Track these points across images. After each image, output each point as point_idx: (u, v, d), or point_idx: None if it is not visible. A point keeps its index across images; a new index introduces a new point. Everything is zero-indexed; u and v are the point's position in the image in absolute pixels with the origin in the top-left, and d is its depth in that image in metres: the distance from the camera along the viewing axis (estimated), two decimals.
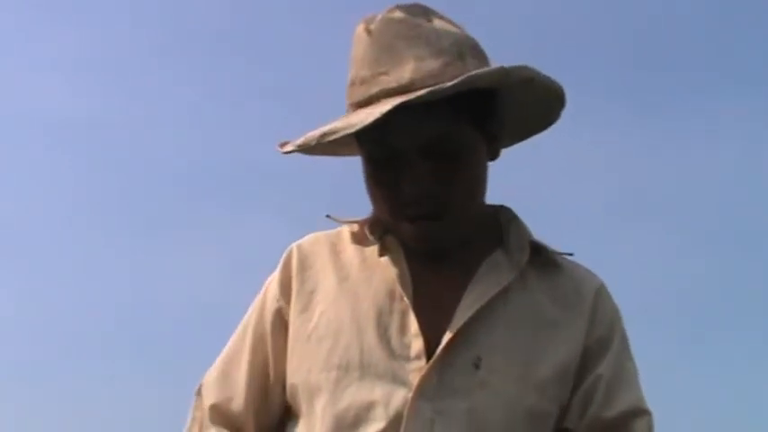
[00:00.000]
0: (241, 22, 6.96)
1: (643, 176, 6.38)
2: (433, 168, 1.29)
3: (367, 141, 1.32)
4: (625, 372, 1.37)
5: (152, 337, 6.32)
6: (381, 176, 1.33)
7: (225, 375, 1.43)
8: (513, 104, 1.37)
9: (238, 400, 1.41)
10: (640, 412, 1.35)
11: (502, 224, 1.42)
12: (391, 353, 1.30)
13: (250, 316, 1.45)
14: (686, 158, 6.45)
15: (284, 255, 1.45)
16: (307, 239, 1.46)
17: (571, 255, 1.44)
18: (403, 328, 1.32)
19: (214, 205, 6.65)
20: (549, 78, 1.33)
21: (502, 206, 1.45)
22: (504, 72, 1.29)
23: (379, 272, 1.37)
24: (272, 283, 1.44)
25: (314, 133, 1.31)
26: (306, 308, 1.38)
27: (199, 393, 1.46)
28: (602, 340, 1.37)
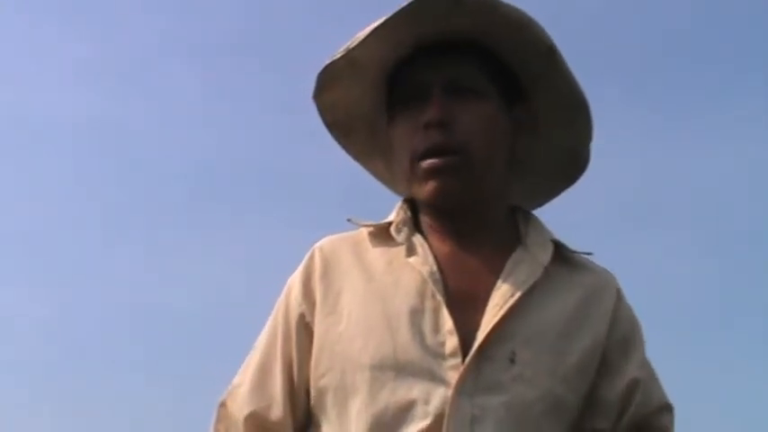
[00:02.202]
0: (248, 25, 6.97)
1: (656, 178, 6.38)
2: (455, 103, 1.36)
3: (399, 85, 1.41)
4: (653, 372, 1.43)
5: (160, 338, 6.33)
6: (408, 120, 1.38)
7: (259, 384, 1.41)
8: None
9: (277, 407, 1.39)
10: (668, 407, 1.42)
11: (518, 223, 1.45)
12: (426, 351, 1.30)
13: (276, 322, 1.43)
14: (699, 160, 6.45)
15: (306, 257, 1.44)
16: (327, 241, 1.46)
17: (590, 254, 1.46)
18: (436, 326, 1.31)
19: (221, 207, 6.65)
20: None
21: (516, 206, 1.48)
22: None
23: (407, 271, 1.36)
24: (295, 287, 1.42)
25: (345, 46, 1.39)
26: (333, 310, 1.37)
27: (223, 405, 1.44)
28: (625, 340, 1.40)
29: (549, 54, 1.40)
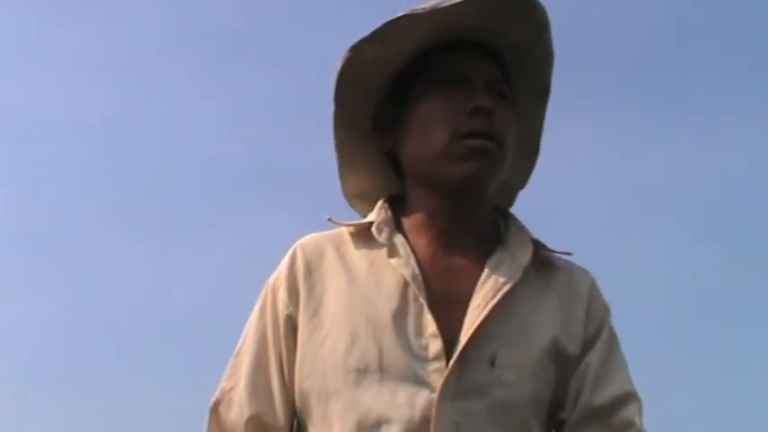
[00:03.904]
0: (257, 24, 6.98)
1: (652, 175, 6.39)
2: (494, 101, 1.39)
3: (438, 67, 1.42)
4: (613, 359, 1.40)
5: (166, 337, 6.33)
6: (449, 99, 1.39)
7: (256, 387, 1.39)
8: None
9: (277, 409, 1.38)
10: (630, 397, 1.38)
11: (497, 222, 1.46)
12: (410, 354, 1.30)
13: (263, 323, 1.41)
14: (697, 157, 6.45)
15: (288, 256, 1.43)
16: (309, 241, 1.45)
17: (569, 254, 1.46)
18: (419, 329, 1.32)
19: (228, 205, 6.67)
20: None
21: (494, 205, 1.48)
22: None
23: (388, 273, 1.36)
24: (281, 287, 1.41)
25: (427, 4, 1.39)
26: (316, 312, 1.37)
27: (216, 411, 1.42)
28: (595, 332, 1.41)
29: (545, 94, 1.47)
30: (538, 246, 1.42)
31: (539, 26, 1.42)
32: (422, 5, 1.39)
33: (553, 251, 1.44)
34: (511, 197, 1.54)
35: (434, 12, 1.38)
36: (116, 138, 6.82)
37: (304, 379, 1.36)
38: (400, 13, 1.39)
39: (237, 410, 1.39)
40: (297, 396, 1.37)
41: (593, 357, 1.38)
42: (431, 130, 1.39)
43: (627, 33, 6.66)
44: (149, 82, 6.94)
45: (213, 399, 1.43)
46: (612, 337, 1.43)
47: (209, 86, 6.98)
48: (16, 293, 6.45)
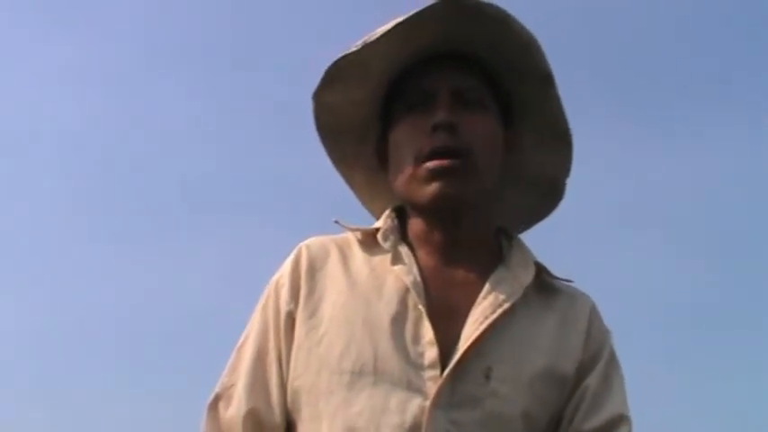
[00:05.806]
0: (242, 34, 6.99)
1: (642, 185, 6.43)
2: (461, 111, 1.38)
3: (406, 90, 1.42)
4: (611, 382, 1.40)
5: (153, 346, 6.31)
6: (413, 123, 1.39)
7: (255, 382, 1.38)
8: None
9: (275, 405, 1.37)
10: (621, 420, 1.38)
11: (501, 242, 1.47)
12: (406, 360, 1.30)
13: (266, 320, 1.41)
14: (684, 167, 6.50)
15: (293, 254, 1.44)
16: (314, 241, 1.45)
17: (571, 282, 1.47)
18: (417, 336, 1.32)
19: (214, 214, 6.65)
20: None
21: (499, 226, 1.49)
22: None
23: (390, 280, 1.37)
24: (284, 285, 1.41)
25: (361, 40, 1.39)
26: (314, 313, 1.37)
27: (214, 407, 1.40)
28: (594, 356, 1.40)
29: (547, 80, 1.43)
30: (540, 270, 1.43)
31: (496, 19, 1.39)
32: (356, 42, 1.39)
33: (555, 277, 1.45)
34: (556, 188, 1.51)
35: (367, 47, 1.38)
36: (105, 147, 6.82)
37: (297, 377, 1.36)
38: (337, 56, 1.40)
39: (236, 407, 1.38)
40: (289, 393, 1.37)
41: (591, 380, 1.38)
42: (401, 157, 1.40)
43: (620, 43, 6.70)
44: (138, 92, 6.94)
45: (213, 393, 1.42)
46: (612, 359, 1.42)
47: (198, 96, 6.98)
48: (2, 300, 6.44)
